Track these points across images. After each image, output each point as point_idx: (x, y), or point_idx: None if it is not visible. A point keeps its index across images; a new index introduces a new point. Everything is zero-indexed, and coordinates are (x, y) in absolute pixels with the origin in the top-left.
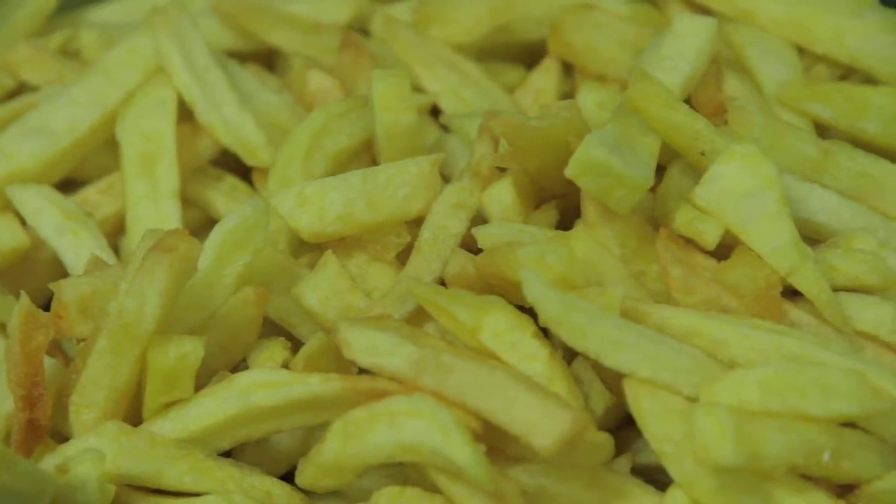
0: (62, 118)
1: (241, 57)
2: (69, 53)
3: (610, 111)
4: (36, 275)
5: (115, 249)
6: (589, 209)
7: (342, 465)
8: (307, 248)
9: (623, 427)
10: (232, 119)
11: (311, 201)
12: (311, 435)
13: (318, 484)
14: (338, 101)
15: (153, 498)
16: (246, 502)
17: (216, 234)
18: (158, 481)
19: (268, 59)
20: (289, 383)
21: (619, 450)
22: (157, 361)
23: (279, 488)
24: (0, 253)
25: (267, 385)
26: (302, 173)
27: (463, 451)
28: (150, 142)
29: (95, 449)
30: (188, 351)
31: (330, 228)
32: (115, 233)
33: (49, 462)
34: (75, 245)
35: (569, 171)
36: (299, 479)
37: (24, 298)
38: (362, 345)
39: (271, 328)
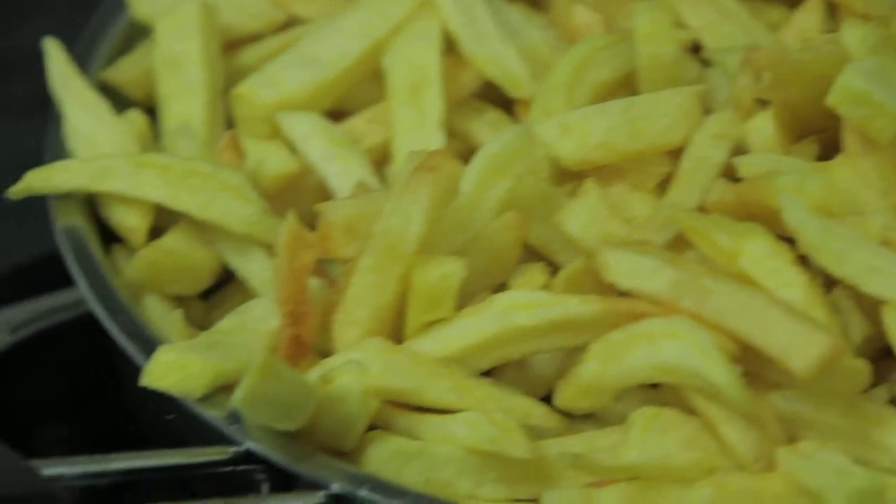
0: (330, 48)
1: None
2: None
3: (872, 47)
4: (304, 199)
5: (381, 178)
6: (850, 140)
7: (600, 387)
8: (568, 178)
9: (882, 358)
10: (496, 51)
11: (572, 129)
12: (569, 358)
13: (576, 405)
14: (600, 35)
15: (413, 414)
16: (505, 419)
17: (479, 159)
18: (419, 397)
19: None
20: (548, 304)
21: (878, 380)
22: (420, 280)
23: (538, 409)
24: (269, 178)
25: (526, 305)
26: (564, 104)
27: (721, 372)
28: (416, 72)
29: (358, 361)
30: (450, 271)
31: (591, 156)
32: (381, 161)
33: (313, 376)
34: (342, 170)
35: (830, 100)
36: (557, 400)
37: (291, 217)
38: (622, 267)
39: (531, 255)
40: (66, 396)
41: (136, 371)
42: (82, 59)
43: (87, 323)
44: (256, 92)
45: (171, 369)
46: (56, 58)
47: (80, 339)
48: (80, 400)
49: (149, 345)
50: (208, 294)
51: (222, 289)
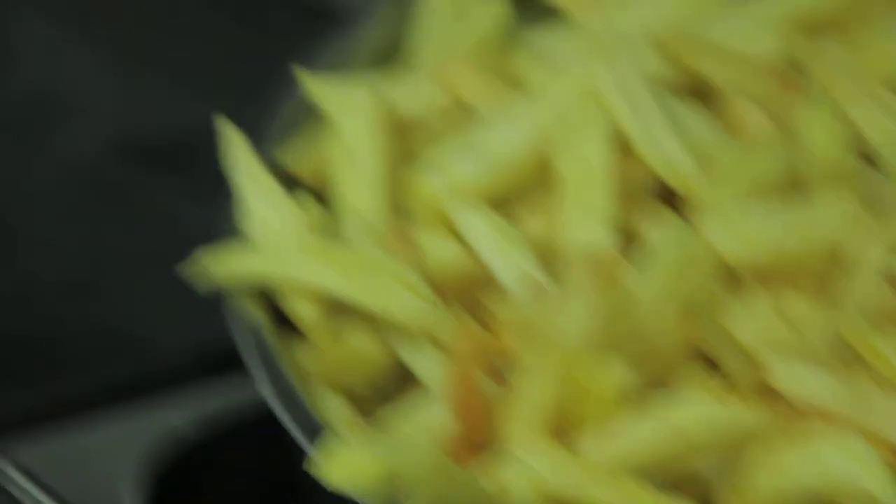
0: (498, 138)
1: (674, 87)
2: (505, 75)
3: None
4: (471, 288)
5: (546, 271)
6: None
7: (767, 499)
8: (735, 279)
9: None
10: (664, 147)
11: (738, 230)
12: (733, 466)
13: None
14: (768, 134)
15: None
16: None
17: (646, 258)
18: (585, 502)
19: (699, 90)
20: (717, 414)
21: None
22: (586, 380)
23: None
24: (438, 267)
25: (697, 416)
26: (730, 203)
27: (880, 483)
28: (584, 166)
29: (528, 465)
30: (614, 371)
31: (756, 257)
32: (544, 252)
33: (481, 475)
34: (509, 262)
35: None
36: None
37: (464, 318)
38: (789, 376)
39: (694, 354)
40: (243, 492)
41: (309, 465)
42: (252, 136)
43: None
44: (426, 181)
45: (341, 464)
46: (232, 140)
47: (262, 434)
48: (257, 496)
49: (321, 438)
50: (381, 389)
51: (395, 384)
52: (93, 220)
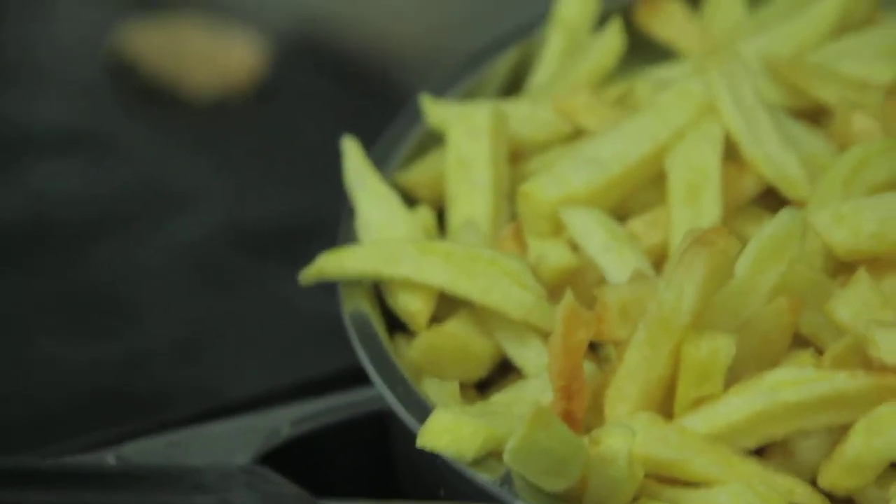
0: (612, 150)
1: (787, 108)
2: (624, 105)
3: None
4: (582, 293)
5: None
6: None
7: (865, 463)
8: (841, 268)
9: None
10: (775, 154)
11: (845, 219)
12: (834, 442)
13: (840, 484)
14: (879, 139)
15: (676, 487)
16: (770, 493)
17: (754, 243)
18: (683, 470)
19: (811, 112)
20: (815, 380)
21: None
22: (691, 355)
23: (802, 487)
24: (549, 270)
25: (793, 382)
26: (838, 198)
27: None
28: (695, 174)
29: (629, 432)
30: (720, 347)
31: (864, 246)
32: (658, 262)
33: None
34: (620, 262)
35: None
36: (821, 480)
37: (569, 296)
38: (890, 344)
39: (800, 342)
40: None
41: (412, 445)
42: (378, 161)
43: (369, 421)
44: (541, 189)
45: (445, 431)
46: (353, 155)
47: (358, 435)
48: (355, 489)
49: (425, 414)
50: (483, 385)
51: (497, 380)
52: (200, 297)
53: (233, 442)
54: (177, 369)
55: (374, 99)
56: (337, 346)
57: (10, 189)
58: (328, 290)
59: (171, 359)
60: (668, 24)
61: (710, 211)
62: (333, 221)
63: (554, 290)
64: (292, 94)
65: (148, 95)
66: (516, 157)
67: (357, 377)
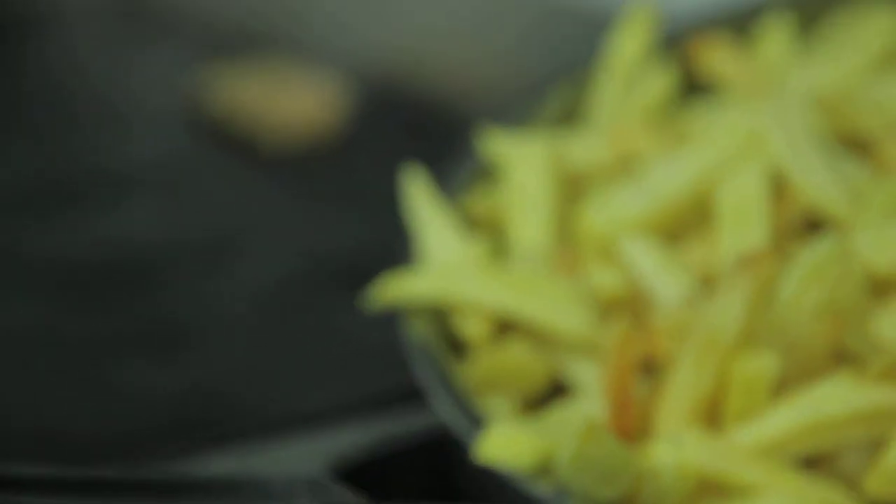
0: (663, 177)
1: (832, 137)
2: (677, 136)
3: None
4: (634, 313)
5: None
6: None
7: None
8: (882, 289)
9: None
10: (823, 184)
11: (887, 241)
12: (877, 453)
13: (885, 491)
14: None
15: (724, 499)
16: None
17: (798, 264)
18: (731, 481)
19: (855, 142)
20: (858, 394)
21: None
22: (738, 373)
23: (847, 498)
24: (602, 294)
25: (836, 396)
26: (882, 222)
27: None
28: (744, 200)
29: (677, 445)
30: (766, 364)
31: None
32: (706, 284)
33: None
34: (671, 285)
35: None
36: (866, 486)
37: (622, 318)
38: None
39: (843, 363)
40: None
41: (470, 461)
42: (438, 190)
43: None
44: (597, 216)
45: (502, 445)
46: (415, 183)
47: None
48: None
49: (482, 429)
50: (536, 406)
51: (550, 400)
52: (273, 332)
53: (300, 456)
54: (244, 398)
55: (444, 137)
56: (398, 369)
57: (93, 229)
58: (389, 319)
59: (240, 387)
60: (719, 59)
61: (756, 235)
62: (398, 258)
63: (607, 312)
64: (365, 136)
65: (225, 139)
66: (572, 187)
67: (416, 397)
